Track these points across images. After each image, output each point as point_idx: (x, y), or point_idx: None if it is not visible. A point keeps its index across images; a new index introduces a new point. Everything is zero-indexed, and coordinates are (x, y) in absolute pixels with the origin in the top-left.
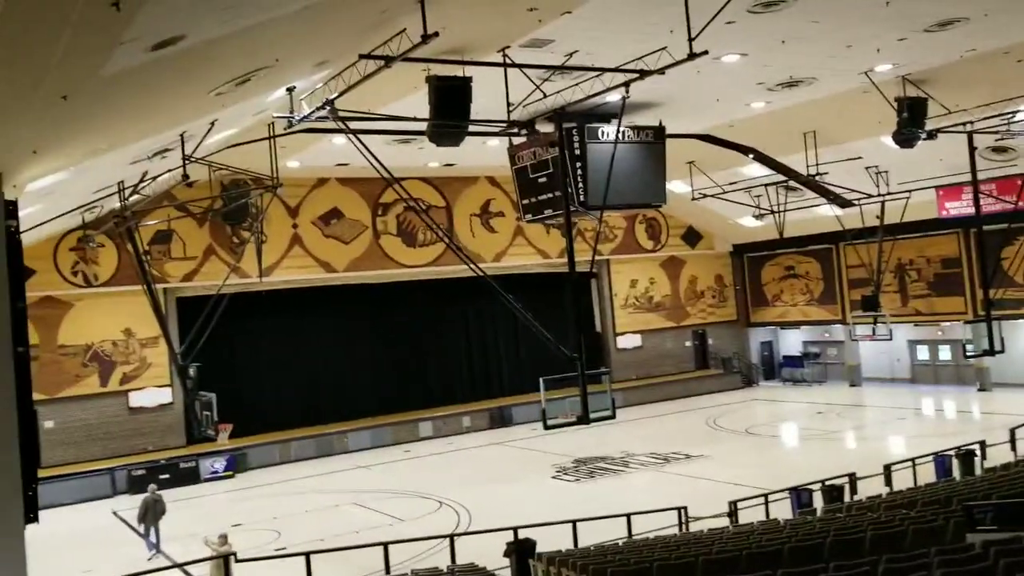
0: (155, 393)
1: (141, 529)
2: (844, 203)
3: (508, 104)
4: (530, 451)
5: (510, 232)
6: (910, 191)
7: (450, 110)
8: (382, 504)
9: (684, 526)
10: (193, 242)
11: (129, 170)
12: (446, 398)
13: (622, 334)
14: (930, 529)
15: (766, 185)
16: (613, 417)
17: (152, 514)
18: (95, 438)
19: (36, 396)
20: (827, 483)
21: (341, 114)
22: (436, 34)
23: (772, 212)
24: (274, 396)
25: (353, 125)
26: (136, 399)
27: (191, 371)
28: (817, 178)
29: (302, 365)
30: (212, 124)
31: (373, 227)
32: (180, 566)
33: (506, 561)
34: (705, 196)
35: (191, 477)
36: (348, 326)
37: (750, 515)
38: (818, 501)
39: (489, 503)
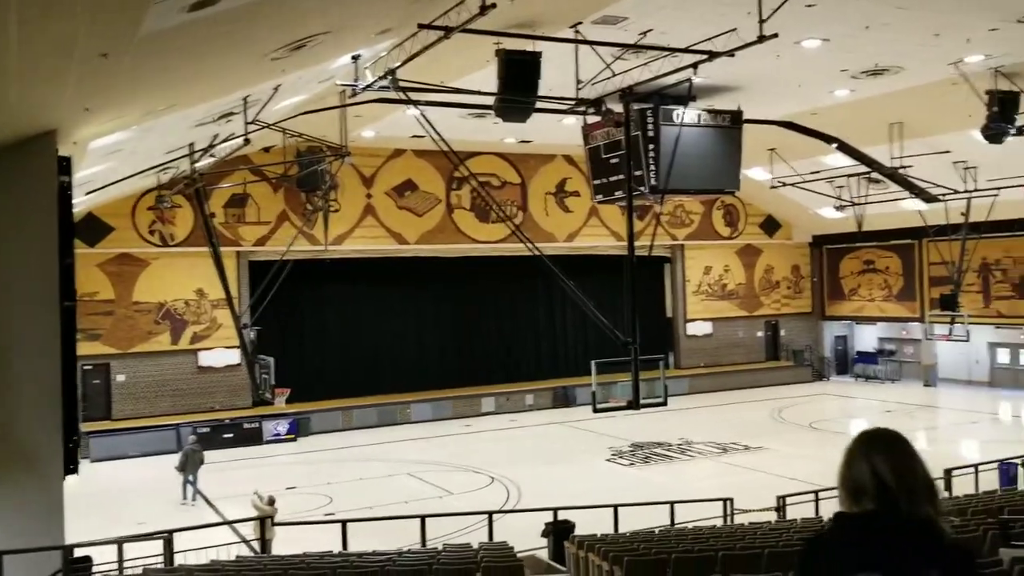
0: (224, 354)
1: (181, 478)
2: (929, 198)
3: (578, 81)
4: (590, 432)
5: (584, 212)
6: (999, 189)
7: (518, 85)
8: (435, 476)
9: (729, 518)
10: (268, 207)
11: (197, 132)
12: (511, 375)
13: (692, 321)
14: (966, 540)
15: (848, 176)
16: (665, 404)
17: (191, 464)
18: (164, 394)
19: (109, 350)
20: None
21: (404, 85)
22: (493, 5)
23: (853, 204)
24: (339, 363)
25: (421, 97)
26: (205, 359)
27: (252, 334)
28: (901, 171)
29: (369, 334)
30: (276, 89)
31: (447, 200)
32: (229, 523)
33: (544, 541)
34: (785, 184)
35: (254, 438)
36: (417, 298)
37: (800, 511)
38: None
39: (540, 482)
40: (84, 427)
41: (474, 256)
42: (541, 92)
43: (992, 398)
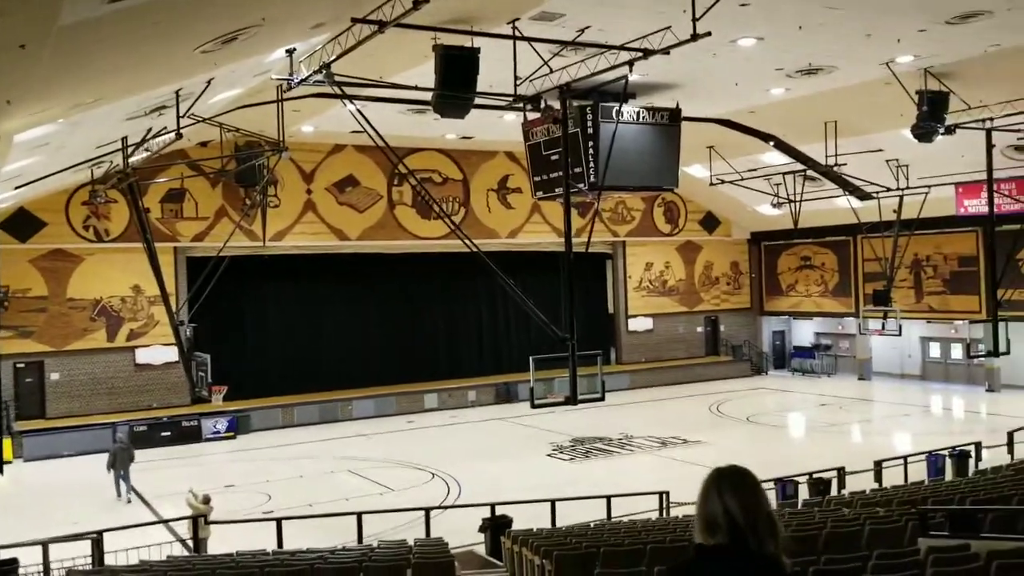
0: (161, 351)
1: (113, 476)
2: (863, 195)
3: (516, 78)
4: (531, 428)
5: (527, 209)
6: (929, 186)
7: (456, 81)
8: (376, 473)
9: (665, 511)
10: (206, 202)
11: (129, 126)
12: (453, 371)
13: (634, 317)
14: (888, 530)
15: (785, 174)
16: (602, 399)
17: (120, 461)
18: (100, 392)
19: (42, 348)
20: (814, 476)
21: (341, 80)
22: (427, 0)
23: (790, 201)
24: (280, 360)
25: (358, 92)
26: (142, 356)
27: (188, 331)
28: (836, 169)
29: (311, 331)
30: (208, 83)
31: (388, 196)
32: (161, 522)
33: (482, 536)
34: (724, 182)
35: (193, 436)
36: (359, 295)
37: None
38: (805, 493)
39: (480, 477)
40: (17, 426)
41: (416, 252)
42: (480, 88)
43: (924, 391)
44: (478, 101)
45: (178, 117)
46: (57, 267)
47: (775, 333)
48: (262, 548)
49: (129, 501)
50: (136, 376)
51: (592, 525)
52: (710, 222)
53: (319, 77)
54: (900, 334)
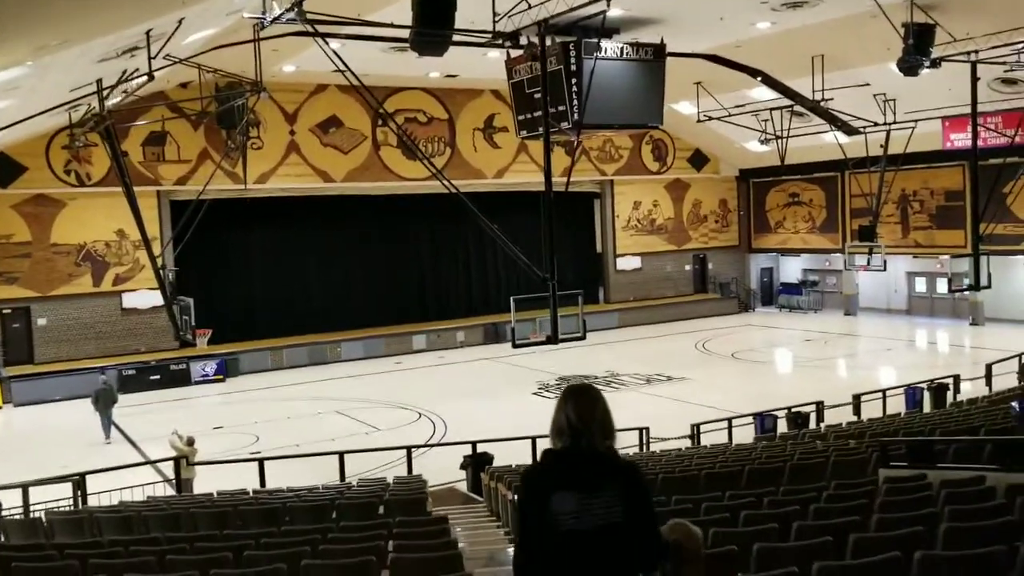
0: (148, 295)
1: (99, 416)
2: (850, 130)
3: (494, 14)
4: (519, 367)
5: (513, 148)
6: (916, 121)
7: (433, 18)
8: (363, 413)
9: (645, 446)
10: (188, 145)
11: (104, 68)
12: (442, 312)
13: (622, 256)
14: (852, 462)
15: (771, 109)
16: (583, 338)
17: (103, 401)
18: (88, 337)
19: (28, 293)
20: (793, 410)
21: (315, 18)
22: None
23: (777, 137)
24: (269, 303)
25: (333, 30)
26: (129, 300)
27: (171, 275)
28: (823, 104)
29: (298, 274)
30: (180, 22)
31: (373, 137)
32: (144, 464)
33: (464, 473)
34: (711, 119)
35: (182, 379)
36: (346, 237)
37: (716, 438)
38: (784, 427)
39: (466, 416)
40: (6, 372)
41: (403, 194)
42: (458, 25)
43: (909, 325)
44: (456, 38)
45: (149, 59)
46: (40, 212)
47: (763, 270)
48: (244, 488)
49: (109, 441)
50: (123, 320)
51: None
52: (698, 160)
53: (291, 15)
54: (885, 269)
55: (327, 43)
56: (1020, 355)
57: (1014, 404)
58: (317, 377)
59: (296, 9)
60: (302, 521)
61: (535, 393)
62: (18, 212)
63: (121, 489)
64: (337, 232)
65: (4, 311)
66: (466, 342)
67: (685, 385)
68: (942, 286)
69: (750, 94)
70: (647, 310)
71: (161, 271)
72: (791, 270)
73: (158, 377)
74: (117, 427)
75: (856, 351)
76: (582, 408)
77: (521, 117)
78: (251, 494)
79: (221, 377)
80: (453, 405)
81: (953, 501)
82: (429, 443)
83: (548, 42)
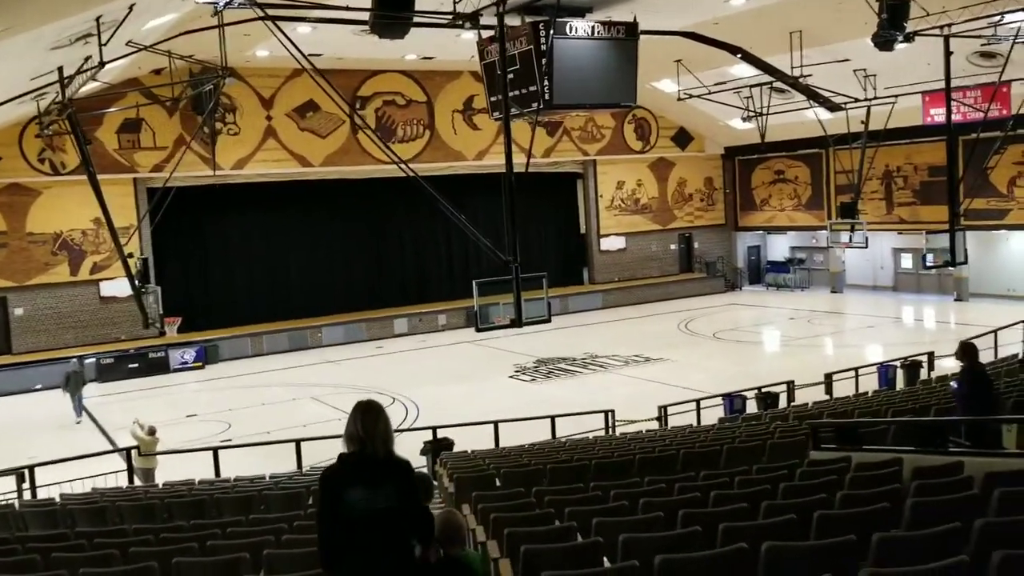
0: (126, 284)
1: (69, 400)
2: (832, 106)
3: None
4: (498, 351)
5: (493, 130)
6: (896, 96)
7: (392, 0)
8: (338, 399)
9: (611, 429)
10: (163, 132)
11: (64, 56)
12: (423, 295)
13: (606, 236)
14: (789, 444)
15: (752, 86)
16: (548, 321)
17: (73, 383)
18: (66, 326)
19: (4, 283)
20: (763, 390)
21: (267, 2)
22: None
23: (759, 114)
24: (249, 289)
25: (288, 14)
26: (107, 288)
27: (138, 263)
28: (803, 80)
29: (278, 259)
30: (130, 9)
31: (351, 121)
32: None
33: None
34: (692, 96)
35: (161, 367)
36: (325, 221)
37: (686, 419)
38: (754, 407)
39: (439, 400)
40: None
41: (382, 177)
42: (419, 7)
43: (894, 302)
44: (417, 20)
45: (100, 46)
46: (14, 202)
47: (750, 248)
48: (191, 478)
49: (79, 421)
50: (102, 309)
51: (527, 446)
52: (682, 138)
53: (243, 1)
54: (867, 246)
55: (279, 28)
56: (995, 331)
57: (952, 383)
58: (297, 363)
59: None
60: (229, 512)
61: (511, 376)
62: None
63: (82, 479)
64: (317, 217)
65: None
66: (448, 325)
67: (662, 366)
68: (927, 262)
69: (731, 71)
70: (632, 290)
71: (128, 259)
72: (779, 248)
73: (137, 365)
74: (84, 408)
75: (840, 328)
76: (367, 422)
77: (494, 98)
78: (196, 484)
79: (201, 364)
80: (428, 389)
81: (863, 482)
82: (399, 428)
83: (518, 22)
